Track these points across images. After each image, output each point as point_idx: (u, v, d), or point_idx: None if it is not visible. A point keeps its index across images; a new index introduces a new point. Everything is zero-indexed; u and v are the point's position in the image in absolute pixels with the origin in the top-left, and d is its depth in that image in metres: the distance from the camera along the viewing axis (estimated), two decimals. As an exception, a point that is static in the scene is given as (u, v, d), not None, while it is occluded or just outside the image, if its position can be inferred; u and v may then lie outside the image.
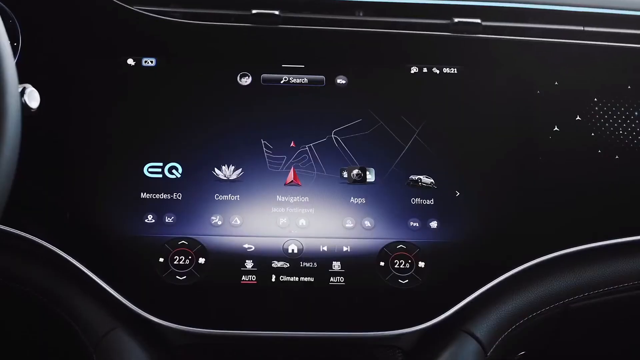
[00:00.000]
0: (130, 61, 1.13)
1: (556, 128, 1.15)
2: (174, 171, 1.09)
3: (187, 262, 1.05)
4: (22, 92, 0.88)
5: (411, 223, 1.09)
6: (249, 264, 1.05)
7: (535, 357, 1.23)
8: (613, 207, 1.13)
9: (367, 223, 1.08)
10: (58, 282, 1.07)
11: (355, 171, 1.11)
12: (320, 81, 1.14)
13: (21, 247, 1.07)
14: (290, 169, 1.10)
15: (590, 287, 1.12)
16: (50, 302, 1.07)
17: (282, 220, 1.08)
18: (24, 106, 0.88)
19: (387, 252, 1.07)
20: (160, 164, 1.10)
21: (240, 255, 1.06)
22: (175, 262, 1.05)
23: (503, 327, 1.08)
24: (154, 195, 1.08)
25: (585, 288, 1.12)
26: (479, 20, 1.17)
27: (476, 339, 1.06)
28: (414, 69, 1.15)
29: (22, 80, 0.87)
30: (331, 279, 1.05)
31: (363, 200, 1.09)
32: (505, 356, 1.13)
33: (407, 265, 1.06)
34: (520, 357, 1.19)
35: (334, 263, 1.06)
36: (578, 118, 1.16)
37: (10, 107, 0.81)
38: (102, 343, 1.03)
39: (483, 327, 1.07)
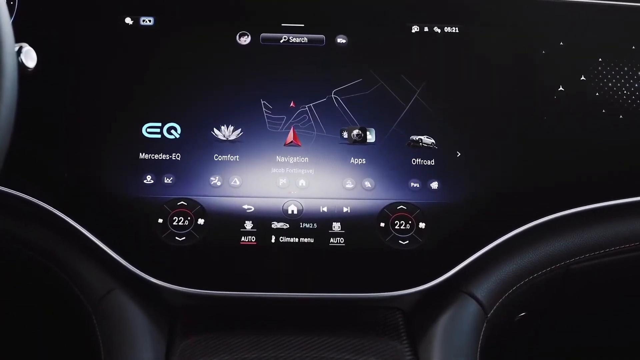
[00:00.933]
0: (128, 20, 1.12)
1: (561, 88, 1.13)
2: (172, 132, 1.09)
3: (186, 223, 1.05)
4: (19, 52, 0.88)
5: (412, 184, 1.08)
6: (248, 225, 1.05)
7: (535, 319, 1.23)
8: (616, 167, 1.12)
9: (367, 184, 1.08)
10: (57, 243, 1.07)
11: (355, 132, 1.10)
12: (320, 40, 1.12)
13: (20, 208, 1.07)
14: (289, 129, 1.09)
15: (591, 249, 1.12)
16: (49, 263, 1.07)
17: (282, 181, 1.07)
18: (21, 65, 0.87)
19: (388, 213, 1.06)
20: (159, 125, 1.09)
21: (240, 216, 1.05)
22: (174, 223, 1.04)
23: (504, 288, 1.08)
24: (153, 156, 1.08)
25: (586, 249, 1.11)
26: None
27: (477, 300, 1.06)
28: (415, 28, 1.14)
29: (18, 39, 0.86)
30: (331, 240, 1.05)
31: (363, 160, 1.09)
32: (505, 317, 1.13)
33: (408, 226, 1.06)
34: (520, 318, 1.19)
35: (334, 224, 1.06)
36: (583, 78, 1.14)
37: (7, 67, 0.80)
38: (101, 304, 1.03)
39: (484, 289, 1.07)
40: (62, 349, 1.35)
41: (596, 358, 1.47)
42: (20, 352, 1.39)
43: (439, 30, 1.14)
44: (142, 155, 1.08)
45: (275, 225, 1.05)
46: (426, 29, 1.14)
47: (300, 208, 1.06)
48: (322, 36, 1.13)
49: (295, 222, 1.05)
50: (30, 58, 0.89)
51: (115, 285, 1.04)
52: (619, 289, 1.25)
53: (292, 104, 1.10)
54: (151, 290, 1.03)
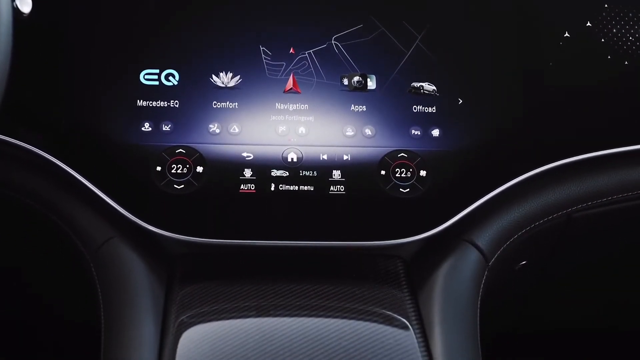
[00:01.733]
0: (125, -37, 1.10)
1: (566, 34, 1.12)
2: (170, 78, 1.07)
3: (185, 170, 1.04)
4: (13, -3, 0.86)
5: (413, 131, 1.07)
6: (247, 173, 1.04)
7: (536, 267, 1.23)
8: (621, 114, 1.11)
9: (368, 131, 1.07)
10: (54, 191, 1.06)
11: (355, 78, 1.09)
12: (320, -15, 1.11)
13: (17, 155, 1.06)
14: (289, 76, 1.08)
15: (594, 196, 1.11)
16: (46, 211, 1.06)
17: (282, 129, 1.06)
18: (16, 10, 0.85)
19: (388, 160, 1.05)
20: (157, 71, 1.08)
21: (239, 164, 1.04)
22: (172, 171, 1.04)
23: (505, 236, 1.07)
24: (151, 103, 1.06)
25: (589, 197, 1.11)
26: None
27: (478, 248, 1.06)
28: (416, -26, 1.12)
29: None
30: (331, 188, 1.04)
31: (363, 108, 1.07)
32: (506, 266, 1.13)
33: (409, 174, 1.05)
34: (521, 266, 1.19)
35: (334, 172, 1.05)
36: (588, 24, 1.13)
37: (1, 12, 0.79)
38: (99, 252, 1.03)
39: (485, 237, 1.07)
40: (61, 298, 1.35)
41: (596, 309, 1.47)
42: (17, 302, 1.40)
43: (441, -25, 1.12)
44: (139, 103, 1.06)
45: (275, 173, 1.04)
46: None
47: (300, 156, 1.05)
48: None
49: (294, 169, 1.05)
50: (25, 3, 0.88)
51: (113, 234, 1.03)
52: (621, 237, 1.25)
53: (291, 50, 1.09)
54: (150, 238, 1.03)
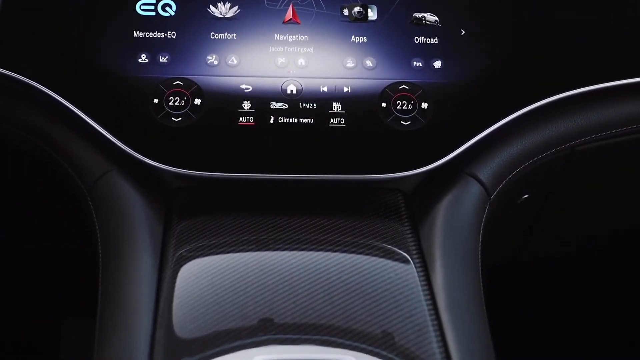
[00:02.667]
0: None
1: None
2: (167, 8, 1.05)
3: (183, 103, 1.02)
4: None
5: (414, 63, 1.05)
6: (246, 105, 1.02)
7: (538, 201, 1.22)
8: (625, 44, 1.09)
9: (369, 63, 1.05)
10: (50, 124, 1.05)
11: (356, 8, 1.06)
12: None
13: (12, 88, 1.04)
14: (288, 6, 1.06)
15: (598, 130, 1.10)
16: (43, 144, 1.05)
17: (281, 60, 1.04)
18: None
19: (389, 92, 1.04)
20: (153, 1, 1.05)
21: (238, 96, 1.03)
22: (170, 103, 1.02)
23: (507, 169, 1.06)
24: (147, 34, 1.04)
25: (593, 130, 1.09)
26: None
27: (479, 181, 1.05)
28: None
29: None
30: (331, 121, 1.02)
31: (364, 39, 1.05)
32: (508, 199, 1.12)
33: (410, 107, 1.04)
34: (523, 200, 1.18)
35: (335, 104, 1.03)
36: None
37: None
38: (96, 186, 1.02)
39: (487, 170, 1.06)
40: (60, 234, 1.34)
41: (597, 243, 1.47)
42: (15, 237, 1.39)
43: None
44: (136, 34, 1.04)
45: (274, 105, 1.03)
46: None
47: (300, 88, 1.04)
48: None
49: (294, 102, 1.03)
50: None
51: (110, 167, 1.03)
52: (624, 171, 1.24)
53: (290, -20, 1.06)
54: (147, 172, 1.02)
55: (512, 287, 1.62)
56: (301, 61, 1.05)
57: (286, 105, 1.03)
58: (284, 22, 1.06)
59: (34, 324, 1.61)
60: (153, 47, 1.04)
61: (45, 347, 1.60)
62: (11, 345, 1.57)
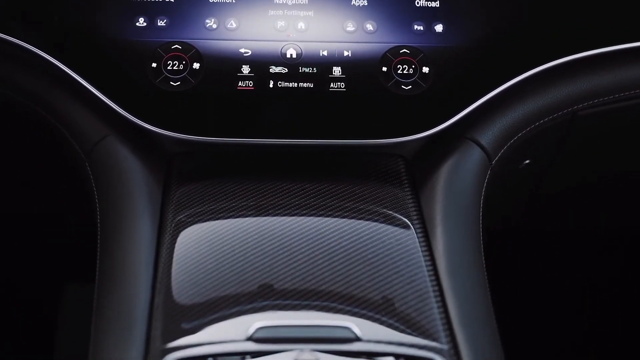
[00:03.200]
0: None
1: None
2: (165, -29, 1.04)
3: (181, 67, 1.01)
4: None
5: (415, 26, 1.04)
6: (245, 69, 1.01)
7: (540, 167, 1.22)
8: (629, 9, 1.07)
9: (369, 26, 1.04)
10: (48, 88, 1.04)
11: (357, -29, 1.05)
12: None
13: (10, 53, 1.03)
14: (288, -32, 1.05)
15: (600, 94, 1.09)
16: (40, 109, 1.04)
17: (280, 24, 1.03)
18: None
19: (390, 57, 1.03)
20: None
21: (237, 60, 1.02)
22: (168, 68, 1.01)
23: (509, 134, 1.06)
24: None
25: (595, 95, 1.08)
26: None
27: (481, 146, 1.04)
28: None
29: None
30: (331, 85, 1.01)
31: (365, 2, 1.04)
32: (509, 165, 1.11)
33: (411, 71, 1.03)
34: (525, 166, 1.18)
35: (335, 68, 1.02)
36: None
37: None
38: (94, 151, 1.01)
39: (488, 135, 1.05)
40: (58, 198, 1.34)
41: (599, 209, 1.46)
42: (16, 202, 1.39)
43: None
44: None
45: (274, 69, 1.02)
46: None
47: (300, 52, 1.03)
48: None
49: (294, 66, 1.02)
50: None
51: (108, 132, 1.02)
52: (626, 137, 1.23)
53: (290, -59, 1.05)
54: (146, 137, 1.01)
55: (514, 252, 1.62)
56: (301, 25, 1.03)
57: (286, 69, 1.02)
58: (283, -15, 1.04)
59: (34, 288, 1.61)
60: (151, 10, 1.03)
61: (45, 311, 1.60)
62: (10, 309, 1.57)
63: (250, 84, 1.01)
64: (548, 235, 1.63)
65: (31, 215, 1.48)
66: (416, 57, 1.03)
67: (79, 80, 1.01)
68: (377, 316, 0.84)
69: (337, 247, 0.91)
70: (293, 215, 0.95)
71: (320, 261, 0.89)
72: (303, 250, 0.91)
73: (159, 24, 1.03)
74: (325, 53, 1.03)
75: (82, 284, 1.13)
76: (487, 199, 1.03)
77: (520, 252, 1.65)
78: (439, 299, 0.88)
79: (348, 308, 0.85)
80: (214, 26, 1.03)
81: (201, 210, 0.96)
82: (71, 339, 1.48)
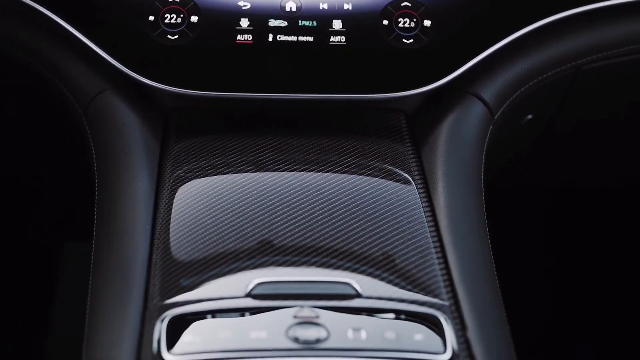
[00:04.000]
0: None
1: None
2: None
3: (179, 20, 1.00)
4: None
5: (417, -22, 1.03)
6: (244, 23, 1.00)
7: (542, 123, 1.21)
8: None
9: (370, -22, 1.02)
10: (44, 42, 1.03)
11: None
12: None
13: (6, 7, 1.02)
14: None
15: (604, 48, 1.08)
16: (37, 63, 1.03)
17: (280, -24, 1.02)
18: None
19: (391, 10, 1.01)
20: None
21: (235, 13, 1.00)
22: (166, 21, 1.00)
23: (511, 89, 1.04)
24: None
25: (598, 48, 1.07)
26: None
27: (483, 101, 1.03)
28: None
29: None
30: (331, 39, 1.00)
31: None
32: (512, 120, 1.10)
33: (412, 24, 1.01)
34: (527, 121, 1.17)
35: (335, 21, 1.00)
36: None
37: None
38: (91, 105, 1.00)
39: (490, 89, 1.03)
40: (55, 155, 1.33)
41: (601, 166, 1.45)
42: (13, 161, 1.38)
43: None
44: None
45: (273, 22, 1.00)
46: None
47: (299, 4, 1.01)
48: None
49: (293, 19, 1.00)
50: None
51: (105, 86, 1.01)
52: (630, 93, 1.22)
53: None
54: (143, 91, 1.00)
55: (515, 208, 1.62)
56: (300, -24, 1.02)
57: (285, 22, 1.00)
58: None
59: (33, 247, 1.61)
60: None
61: (45, 270, 1.60)
62: (9, 268, 1.57)
63: (249, 37, 0.99)
64: (549, 192, 1.62)
65: (28, 175, 1.47)
66: (418, 10, 1.01)
67: (76, 34, 1.00)
68: (378, 272, 0.84)
69: (337, 203, 0.90)
70: (293, 171, 0.94)
71: (320, 217, 0.88)
72: (303, 206, 0.90)
73: None
74: (325, 6, 1.01)
75: (82, 241, 1.12)
76: (489, 155, 1.02)
77: (522, 209, 1.65)
78: (440, 255, 0.87)
79: (348, 264, 0.84)
80: (212, -22, 1.01)
81: (200, 166, 0.95)
82: (70, 297, 1.48)
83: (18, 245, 1.60)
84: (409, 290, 0.82)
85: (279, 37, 1.00)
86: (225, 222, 0.88)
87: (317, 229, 0.87)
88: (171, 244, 0.86)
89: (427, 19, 1.01)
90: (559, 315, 1.62)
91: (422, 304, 0.81)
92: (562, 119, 1.22)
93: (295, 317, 0.77)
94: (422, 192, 0.93)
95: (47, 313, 1.53)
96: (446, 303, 0.82)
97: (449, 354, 0.75)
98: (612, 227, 1.68)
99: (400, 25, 1.01)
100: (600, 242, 1.68)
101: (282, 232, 0.87)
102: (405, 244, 0.87)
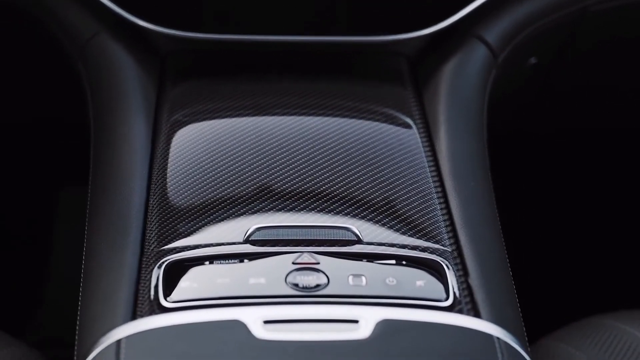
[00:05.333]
0: None
1: None
2: None
3: None
4: None
5: None
6: None
7: (547, 66, 1.19)
8: None
9: None
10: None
11: None
12: None
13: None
14: None
15: None
16: (31, 6, 1.01)
17: None
18: None
19: None
20: None
21: None
22: None
23: (515, 31, 1.03)
24: None
25: None
26: None
27: (486, 43, 1.01)
28: None
29: None
30: None
31: None
32: (516, 63, 1.09)
33: None
34: (531, 65, 1.15)
35: None
36: None
37: None
38: (86, 48, 0.99)
39: (494, 32, 1.02)
40: (51, 100, 1.31)
41: (605, 110, 1.44)
42: (8, 106, 1.37)
43: None
44: None
45: None
46: None
47: None
48: None
49: None
50: None
51: (100, 28, 0.99)
52: (635, 37, 1.20)
53: None
54: (139, 34, 0.98)
55: (518, 154, 1.61)
56: None
57: None
58: None
59: (30, 193, 1.60)
60: None
61: (40, 217, 1.59)
62: (5, 214, 1.56)
63: None
64: (553, 138, 1.61)
65: (24, 121, 1.46)
66: None
67: (68, -26, 0.98)
68: (379, 218, 0.82)
69: (337, 148, 0.89)
70: (292, 115, 0.93)
71: (320, 162, 0.87)
72: (302, 150, 0.88)
73: None
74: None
75: (78, 188, 1.11)
76: (492, 99, 1.01)
77: (525, 155, 1.64)
78: (442, 200, 0.86)
79: (349, 210, 0.83)
80: None
81: (197, 110, 0.94)
82: (68, 243, 1.47)
83: (13, 191, 1.59)
84: (410, 236, 0.81)
85: None
86: (224, 166, 0.86)
87: (317, 174, 0.86)
88: (168, 189, 0.84)
89: None
90: (562, 260, 1.62)
91: (423, 249, 0.79)
92: (567, 63, 1.20)
93: (294, 263, 0.75)
94: (423, 137, 0.92)
95: (44, 260, 1.53)
96: (448, 249, 0.81)
97: (450, 300, 0.74)
98: (614, 170, 1.67)
99: None
100: (603, 186, 1.67)
101: (281, 177, 0.86)
102: (406, 189, 0.85)
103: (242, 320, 0.69)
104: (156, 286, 0.74)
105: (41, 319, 1.48)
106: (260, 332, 0.68)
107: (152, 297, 0.73)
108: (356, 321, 0.70)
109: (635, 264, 1.57)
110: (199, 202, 0.83)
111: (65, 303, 0.98)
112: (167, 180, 0.86)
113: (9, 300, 1.44)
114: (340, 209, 0.82)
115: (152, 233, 0.81)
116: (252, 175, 0.86)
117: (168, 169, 0.87)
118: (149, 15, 0.97)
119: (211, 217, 0.81)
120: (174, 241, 0.79)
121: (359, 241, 0.79)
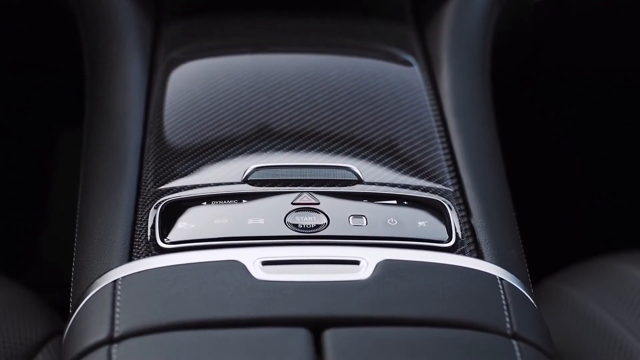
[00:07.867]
0: None
1: None
2: None
3: None
4: None
5: None
6: None
7: (552, 5, 1.17)
8: None
9: None
10: None
11: None
12: None
13: None
14: None
15: None
16: None
17: None
18: None
19: None
20: None
21: None
22: None
23: None
24: None
25: None
26: None
27: None
28: None
29: None
30: None
31: None
32: (520, 1, 1.07)
33: None
34: (536, 2, 1.12)
35: None
36: None
37: None
38: None
39: (499, -33, 0.99)
40: (46, 41, 1.29)
41: (612, 51, 1.42)
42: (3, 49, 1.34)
43: None
44: None
45: None
46: None
47: None
48: None
49: None
50: None
51: None
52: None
53: None
54: None
55: (521, 94, 1.59)
56: None
57: None
58: None
59: (26, 135, 1.59)
60: None
61: (37, 158, 1.58)
62: (7, 159, 1.55)
63: None
64: (558, 80, 1.59)
65: (20, 62, 1.43)
66: None
67: None
68: (380, 158, 0.81)
69: (337, 86, 0.87)
70: (292, 52, 0.91)
71: (320, 100, 0.85)
72: (302, 89, 0.87)
73: None
74: None
75: (74, 128, 1.09)
76: (497, 38, 0.98)
77: (529, 95, 1.62)
78: (444, 139, 0.84)
79: (349, 149, 0.81)
80: None
81: (195, 48, 0.92)
82: (65, 185, 1.46)
83: (9, 134, 1.58)
84: (412, 176, 0.80)
85: None
86: (222, 105, 0.84)
87: (317, 113, 0.84)
88: (165, 128, 0.83)
89: None
90: (565, 202, 1.61)
91: (425, 189, 0.78)
92: (573, 3, 1.18)
93: (294, 203, 0.74)
94: (425, 75, 0.90)
95: (41, 202, 1.52)
96: (450, 189, 0.79)
97: (452, 241, 0.73)
98: (620, 115, 1.66)
99: None
100: (608, 129, 1.65)
101: (280, 116, 0.84)
102: (408, 129, 0.84)
103: (241, 261, 0.68)
104: (153, 227, 0.72)
105: (38, 261, 1.47)
106: (259, 273, 0.67)
107: (148, 237, 0.72)
108: (357, 262, 0.69)
109: (636, 205, 1.56)
110: (196, 141, 0.81)
111: (62, 246, 0.97)
112: (164, 119, 0.84)
113: (6, 243, 1.43)
114: (340, 148, 0.81)
115: (148, 173, 0.79)
116: (251, 115, 0.84)
117: (165, 108, 0.85)
118: None
119: (209, 156, 0.80)
120: (170, 181, 0.78)
121: (359, 181, 0.77)
